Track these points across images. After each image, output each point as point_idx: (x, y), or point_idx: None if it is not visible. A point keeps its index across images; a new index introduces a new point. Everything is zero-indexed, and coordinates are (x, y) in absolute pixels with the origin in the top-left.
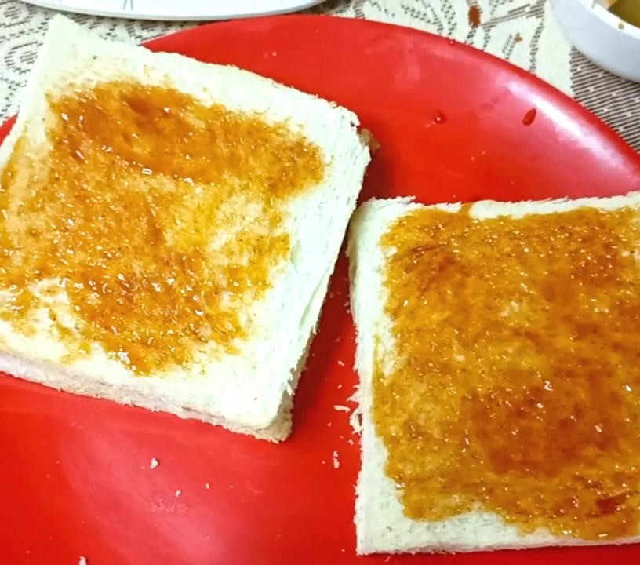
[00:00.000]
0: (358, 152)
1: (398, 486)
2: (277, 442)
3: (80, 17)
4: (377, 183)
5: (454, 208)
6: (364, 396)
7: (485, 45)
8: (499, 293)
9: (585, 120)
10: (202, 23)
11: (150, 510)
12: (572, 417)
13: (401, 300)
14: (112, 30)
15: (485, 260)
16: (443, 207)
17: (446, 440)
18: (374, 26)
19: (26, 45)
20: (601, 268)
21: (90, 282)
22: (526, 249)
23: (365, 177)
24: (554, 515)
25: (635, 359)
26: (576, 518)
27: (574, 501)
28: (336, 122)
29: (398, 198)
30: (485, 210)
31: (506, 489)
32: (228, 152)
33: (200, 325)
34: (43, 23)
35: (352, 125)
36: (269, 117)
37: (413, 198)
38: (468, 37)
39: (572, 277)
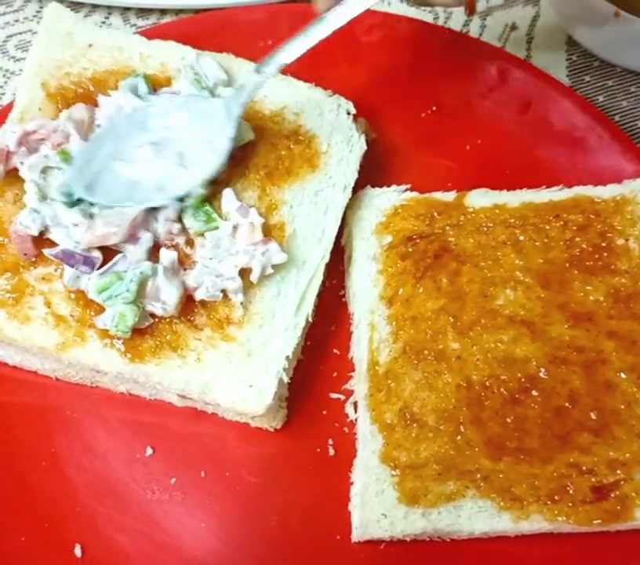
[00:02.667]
0: (354, 141)
1: (393, 473)
2: (272, 429)
3: (75, 6)
4: (373, 171)
5: (449, 196)
6: (359, 384)
7: (480, 34)
8: (494, 282)
9: (581, 109)
10: (198, 11)
11: (146, 497)
12: (566, 405)
13: (397, 288)
14: (107, 18)
15: (481, 249)
16: (438, 195)
17: (441, 427)
18: (370, 14)
19: (20, 33)
20: (596, 256)
21: None
22: (521, 238)
23: (360, 166)
24: (549, 502)
25: (630, 347)
26: (570, 504)
27: (568, 488)
28: (332, 111)
29: (394, 187)
30: (480, 198)
31: (500, 476)
32: None
33: (195, 312)
34: (38, 12)
35: (348, 113)
36: (265, 105)
37: (409, 186)
38: (464, 26)
39: (568, 265)
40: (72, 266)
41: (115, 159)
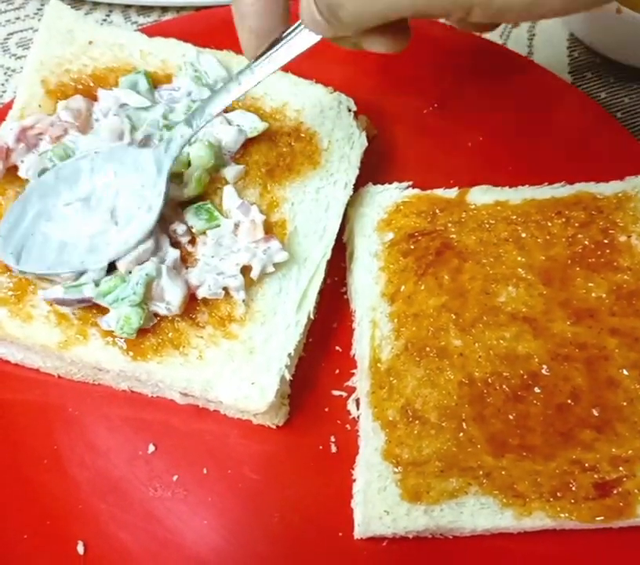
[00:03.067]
0: (355, 138)
1: (396, 470)
2: (274, 427)
3: (76, 3)
4: (374, 168)
5: (451, 193)
6: (361, 381)
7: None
8: (496, 278)
9: (582, 106)
10: (199, 9)
11: (148, 495)
12: (569, 401)
13: (398, 285)
14: (108, 16)
15: (483, 246)
16: (440, 192)
17: (443, 424)
18: None
19: (21, 31)
20: (599, 253)
21: None
22: (523, 235)
23: (362, 163)
24: (551, 499)
25: (632, 344)
26: (573, 501)
27: (571, 485)
28: (333, 108)
29: (395, 184)
30: (482, 195)
31: (503, 473)
32: None
33: (197, 310)
34: (39, 9)
35: (349, 110)
36: (266, 102)
37: (410, 183)
38: None
39: (570, 262)
40: (69, 306)
41: (43, 220)
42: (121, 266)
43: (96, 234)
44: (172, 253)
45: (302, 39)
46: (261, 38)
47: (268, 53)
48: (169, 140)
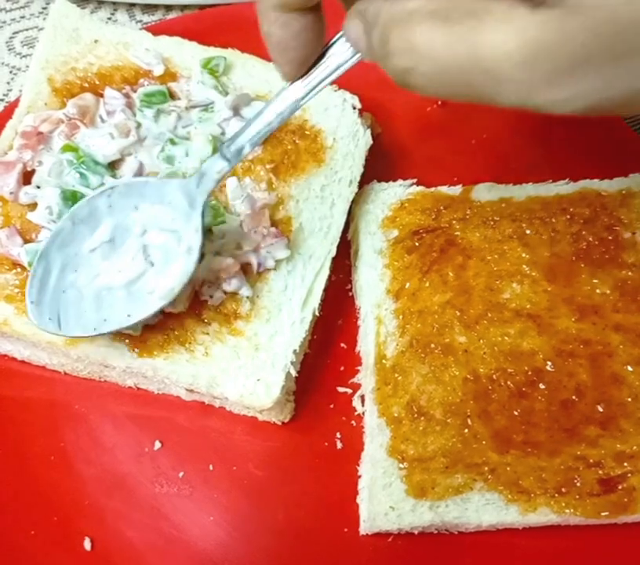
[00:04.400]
0: (359, 135)
1: (401, 466)
2: (280, 423)
3: (81, 2)
4: (379, 166)
5: (455, 190)
6: (366, 378)
7: None
8: (500, 275)
9: None
10: (203, 7)
11: (154, 491)
12: (573, 398)
13: (403, 282)
14: (113, 14)
15: (487, 242)
16: (444, 190)
17: (448, 421)
18: None
19: (26, 29)
20: (603, 250)
21: None
22: (528, 231)
23: (366, 160)
24: (556, 495)
25: (636, 340)
26: (577, 497)
27: (576, 481)
28: (337, 105)
29: (400, 181)
30: (486, 192)
31: (508, 469)
32: None
33: (203, 307)
34: (44, 8)
35: (354, 108)
36: None
37: (415, 180)
38: None
39: (574, 258)
40: None
41: (70, 272)
42: None
43: (132, 279)
44: None
45: (340, 59)
46: (303, 66)
47: (307, 76)
48: (202, 173)
